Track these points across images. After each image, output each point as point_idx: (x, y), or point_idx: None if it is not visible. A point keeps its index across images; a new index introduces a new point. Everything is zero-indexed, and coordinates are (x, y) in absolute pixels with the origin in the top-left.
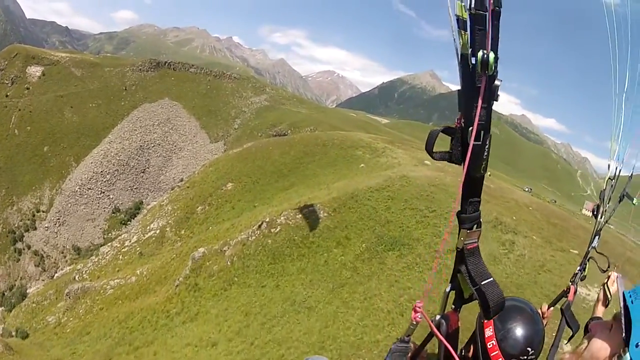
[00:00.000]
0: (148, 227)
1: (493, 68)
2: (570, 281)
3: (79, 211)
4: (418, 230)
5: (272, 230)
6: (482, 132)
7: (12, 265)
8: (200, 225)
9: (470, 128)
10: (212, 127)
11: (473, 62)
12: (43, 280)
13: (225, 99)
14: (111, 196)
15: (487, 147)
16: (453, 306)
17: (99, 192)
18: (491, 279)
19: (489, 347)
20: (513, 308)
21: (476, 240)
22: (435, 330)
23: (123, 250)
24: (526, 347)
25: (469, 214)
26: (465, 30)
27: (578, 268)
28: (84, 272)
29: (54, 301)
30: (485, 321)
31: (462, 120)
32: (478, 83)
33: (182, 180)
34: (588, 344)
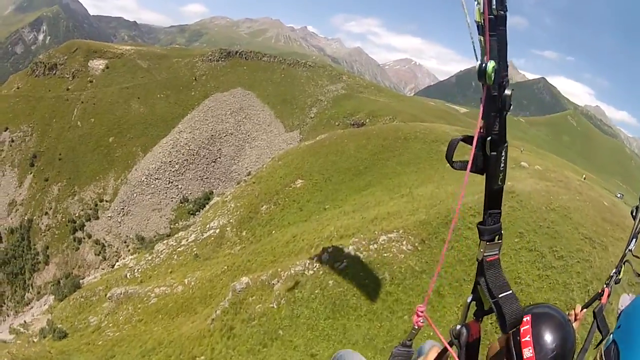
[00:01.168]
0: (208, 226)
1: (492, 78)
2: (605, 284)
3: (145, 201)
4: (543, 291)
5: (337, 264)
6: (498, 142)
7: (71, 253)
8: (263, 228)
9: (489, 138)
10: (287, 116)
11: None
12: (103, 269)
13: (301, 88)
14: (180, 186)
15: (503, 158)
16: (474, 316)
17: (167, 182)
18: (510, 292)
19: (525, 357)
20: (549, 325)
21: (497, 252)
22: (441, 337)
23: (179, 249)
24: (556, 355)
25: (489, 226)
26: (483, 35)
27: (613, 271)
28: (135, 271)
29: (102, 298)
30: (523, 340)
31: (482, 130)
32: (494, 92)
33: (249, 173)
34: None
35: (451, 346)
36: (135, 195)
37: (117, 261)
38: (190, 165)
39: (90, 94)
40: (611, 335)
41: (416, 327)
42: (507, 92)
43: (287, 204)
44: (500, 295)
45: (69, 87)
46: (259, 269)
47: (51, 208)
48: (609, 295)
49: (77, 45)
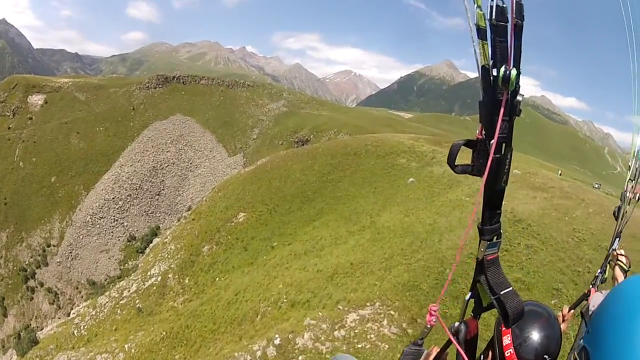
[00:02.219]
0: (149, 273)
1: (514, 84)
2: (591, 284)
3: (92, 242)
4: None
5: None
6: (504, 145)
7: (26, 304)
8: (205, 274)
9: (492, 141)
10: (229, 140)
11: (494, 74)
12: (59, 318)
13: (241, 109)
14: (125, 224)
15: (508, 160)
16: (472, 314)
17: (112, 220)
18: (510, 288)
19: (507, 355)
20: (531, 314)
21: (496, 251)
22: (450, 335)
23: (121, 302)
24: (543, 355)
25: (489, 226)
26: (485, 40)
27: (599, 271)
28: (81, 327)
29: (54, 357)
30: (504, 329)
31: (484, 133)
32: (499, 95)
33: (189, 208)
34: None
35: (450, 343)
36: (81, 237)
37: (72, 309)
38: (134, 201)
39: (31, 132)
40: (581, 340)
41: (428, 326)
42: (519, 97)
43: (230, 242)
44: (501, 292)
45: (10, 126)
46: (198, 341)
47: (2, 257)
48: None
49: (17, 81)
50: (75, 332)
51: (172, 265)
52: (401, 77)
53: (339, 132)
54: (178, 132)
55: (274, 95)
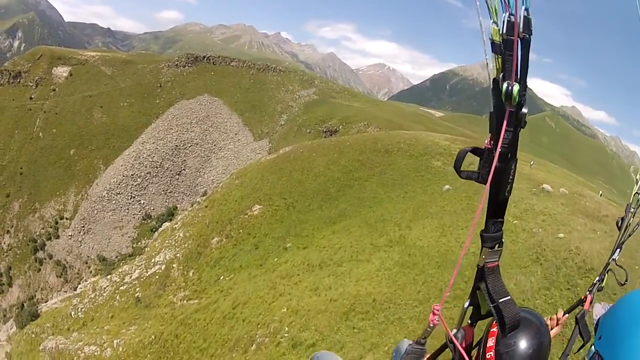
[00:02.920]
0: (153, 260)
1: (517, 99)
2: (588, 290)
3: (106, 218)
4: None
5: None
6: (508, 155)
7: (33, 275)
8: (211, 269)
9: (500, 150)
10: (256, 124)
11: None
12: (65, 292)
13: (271, 93)
14: (142, 201)
15: (512, 170)
16: (470, 321)
17: (129, 197)
18: (509, 297)
19: (487, 357)
20: (521, 321)
21: (497, 259)
22: (450, 334)
23: (121, 288)
24: None
25: (491, 234)
26: (499, 54)
27: (597, 278)
28: (79, 309)
29: (46, 338)
30: (491, 330)
31: (492, 143)
32: (508, 108)
33: (204, 193)
34: None
35: (445, 349)
36: (95, 212)
37: (79, 283)
38: (154, 179)
39: (53, 103)
40: (592, 347)
41: (431, 325)
42: (524, 110)
43: (241, 237)
44: (500, 300)
45: (32, 96)
46: (185, 358)
47: (12, 226)
48: (591, 302)
49: (42, 52)
50: (73, 313)
51: (178, 255)
52: (434, 74)
53: (369, 125)
54: (204, 112)
55: (305, 82)
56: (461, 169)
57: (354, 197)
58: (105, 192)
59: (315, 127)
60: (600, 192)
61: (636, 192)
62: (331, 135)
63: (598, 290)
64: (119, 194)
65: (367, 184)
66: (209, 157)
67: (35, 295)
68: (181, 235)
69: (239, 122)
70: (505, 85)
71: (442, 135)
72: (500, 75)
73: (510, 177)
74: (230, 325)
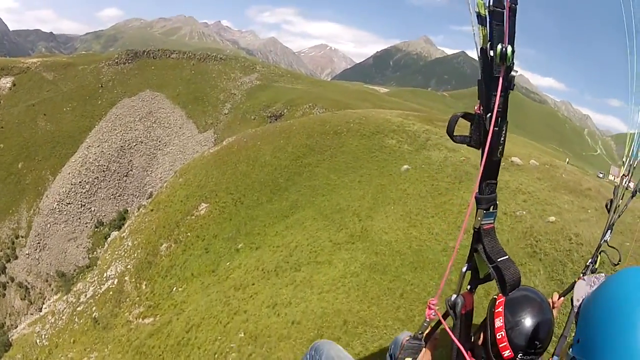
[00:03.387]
0: (105, 274)
1: (511, 59)
2: (582, 273)
3: (60, 231)
4: None
5: None
6: (500, 119)
7: None
8: (163, 280)
9: (489, 114)
10: (200, 115)
11: (491, 54)
12: (32, 314)
13: (212, 83)
14: (93, 208)
15: (503, 132)
16: (469, 287)
17: (80, 206)
18: (507, 256)
19: (498, 337)
20: (523, 299)
21: (492, 221)
22: (447, 328)
23: (78, 309)
24: (534, 341)
25: (486, 195)
26: (484, 25)
27: (590, 260)
28: (43, 336)
29: None
30: (496, 311)
31: (482, 108)
32: (496, 73)
33: (150, 195)
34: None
35: (447, 317)
36: (49, 225)
37: (44, 304)
38: (102, 183)
39: None
40: (570, 351)
41: (427, 320)
42: (513, 73)
43: (189, 241)
44: (498, 260)
45: None
46: None
47: None
48: None
49: None
50: (38, 341)
51: (128, 266)
52: (377, 51)
53: (314, 107)
54: (147, 108)
55: (247, 69)
56: (454, 134)
57: (305, 185)
58: (56, 203)
59: (260, 113)
60: (567, 159)
61: (623, 174)
62: (276, 120)
63: (592, 272)
64: (69, 203)
65: (317, 170)
66: (154, 154)
67: (5, 323)
68: (129, 244)
69: (182, 115)
70: (499, 47)
71: (393, 111)
72: (488, 44)
73: (502, 139)
74: (186, 354)
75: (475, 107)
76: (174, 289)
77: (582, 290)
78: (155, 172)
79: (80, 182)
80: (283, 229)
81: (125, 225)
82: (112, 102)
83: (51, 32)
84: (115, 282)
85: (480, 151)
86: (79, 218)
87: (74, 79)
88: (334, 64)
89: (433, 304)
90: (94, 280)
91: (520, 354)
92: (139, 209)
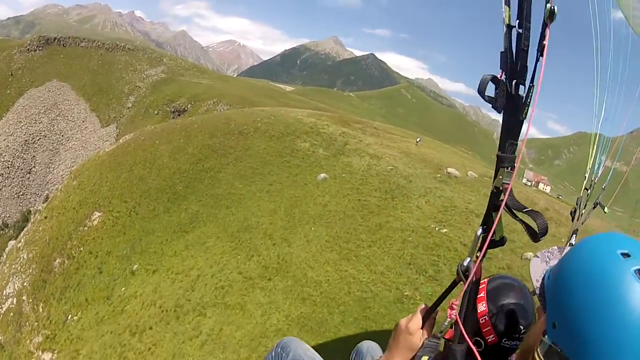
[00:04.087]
0: (4, 292)
1: (556, 15)
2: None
3: None
4: None
5: None
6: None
7: None
8: (58, 304)
9: (515, 81)
10: (103, 109)
11: (519, 31)
12: None
13: (118, 74)
14: None
15: (531, 95)
16: (478, 253)
17: None
18: (531, 208)
19: (481, 322)
20: (504, 285)
21: (510, 181)
22: (465, 334)
23: None
24: (518, 326)
25: (508, 154)
26: (508, 5)
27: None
28: None
29: None
30: (479, 296)
31: (504, 75)
32: (524, 47)
33: (46, 199)
34: (531, 329)
35: (455, 284)
36: None
37: None
38: (6, 181)
39: None
40: (545, 337)
41: (449, 320)
42: (545, 42)
43: (82, 257)
44: (524, 211)
45: None
46: None
47: None
48: None
49: None
50: None
51: (25, 283)
52: (285, 50)
53: (218, 102)
54: (52, 100)
55: (154, 61)
56: (485, 93)
57: (207, 194)
58: None
59: (164, 107)
60: (419, 138)
61: (585, 188)
62: (179, 115)
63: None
64: None
65: (220, 175)
66: (57, 149)
67: None
68: (25, 257)
69: (86, 107)
70: (548, 5)
71: (304, 110)
72: (516, 22)
73: (529, 101)
74: None
75: (499, 75)
76: (69, 317)
77: (539, 268)
78: (57, 169)
79: None
80: (182, 249)
81: (21, 234)
82: (20, 92)
83: None
84: (14, 302)
85: (502, 114)
86: None
87: None
88: (241, 61)
89: (456, 305)
90: None
91: (505, 339)
92: (34, 215)
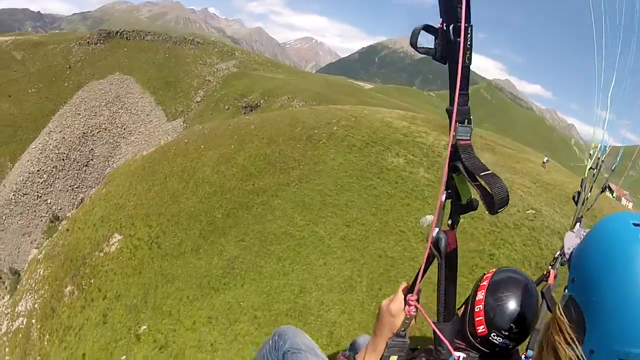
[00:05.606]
0: (17, 308)
1: None
2: (551, 265)
3: (14, 224)
4: None
5: None
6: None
7: None
8: (59, 345)
9: (452, 25)
10: (170, 102)
11: None
12: None
13: (187, 68)
14: (49, 200)
15: (469, 36)
16: (449, 221)
17: (36, 197)
18: (490, 171)
19: (475, 310)
20: (510, 280)
21: (469, 136)
22: (433, 326)
23: None
24: (510, 323)
25: (460, 107)
26: None
27: (558, 252)
28: None
29: None
30: (481, 284)
31: (443, 23)
32: None
33: (81, 202)
34: None
35: (432, 258)
36: (4, 217)
37: None
38: (60, 173)
39: None
40: (565, 291)
41: (408, 317)
42: None
43: (90, 294)
44: (481, 174)
45: None
46: None
47: None
48: (555, 277)
49: None
50: None
51: (36, 305)
52: (363, 47)
53: (293, 98)
54: (114, 93)
55: (225, 55)
56: (417, 45)
57: (253, 230)
58: (12, 193)
59: (235, 102)
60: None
61: (590, 167)
62: (251, 110)
63: (561, 265)
64: (25, 194)
65: (276, 202)
66: (118, 143)
67: None
68: (41, 273)
69: (152, 101)
70: None
71: (392, 111)
72: None
73: (469, 43)
74: None
75: (438, 24)
76: None
77: (572, 240)
78: (117, 163)
79: (38, 170)
80: (204, 321)
81: (44, 245)
82: (79, 85)
83: (39, 12)
84: (24, 323)
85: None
86: (35, 211)
87: (42, 59)
88: (319, 57)
89: (412, 300)
90: (8, 313)
91: (494, 333)
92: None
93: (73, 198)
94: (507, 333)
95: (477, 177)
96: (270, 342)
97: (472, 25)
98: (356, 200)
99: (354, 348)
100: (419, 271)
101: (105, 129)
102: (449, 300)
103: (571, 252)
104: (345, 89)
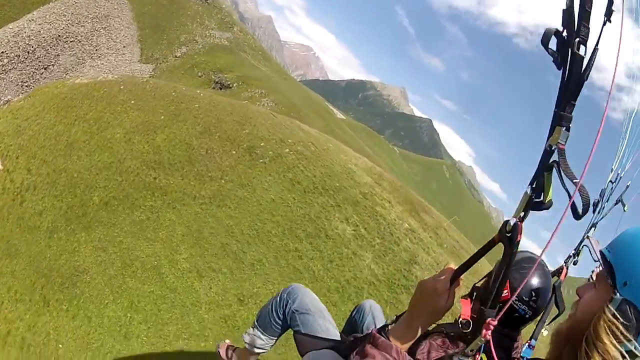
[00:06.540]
0: None
1: None
2: (564, 262)
3: None
4: None
5: None
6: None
7: None
8: None
9: (578, 39)
10: (151, 45)
11: None
12: None
13: (183, 20)
14: None
15: (594, 57)
16: (522, 214)
17: None
18: (580, 180)
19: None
20: (531, 258)
21: (565, 142)
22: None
23: None
24: (531, 291)
25: (567, 114)
26: None
27: (572, 251)
28: None
29: None
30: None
31: (567, 32)
32: (587, 7)
33: None
34: (577, 306)
35: (496, 243)
36: None
37: None
38: (19, 65)
39: None
40: (616, 295)
41: (482, 340)
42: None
43: None
44: (574, 181)
45: None
46: None
47: None
48: (566, 274)
49: None
50: None
51: None
52: (354, 78)
53: (265, 96)
54: (106, 11)
55: (225, 24)
56: (547, 45)
57: (121, 243)
58: None
59: (210, 74)
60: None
61: (610, 180)
62: (221, 89)
63: (574, 264)
64: None
65: (167, 218)
66: (84, 60)
67: None
68: None
69: (134, 35)
70: None
71: (361, 158)
72: None
73: (592, 61)
74: None
75: (564, 34)
76: None
77: (596, 245)
78: (73, 80)
79: (2, 52)
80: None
81: None
82: None
83: None
84: None
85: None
86: None
87: None
88: (309, 70)
89: (493, 324)
90: None
91: (516, 299)
92: None
93: (20, 94)
94: (528, 299)
95: (572, 180)
96: (278, 298)
97: (598, 49)
98: (267, 265)
99: (360, 312)
100: (474, 255)
101: (79, 42)
102: (500, 290)
103: (602, 255)
104: (318, 109)
